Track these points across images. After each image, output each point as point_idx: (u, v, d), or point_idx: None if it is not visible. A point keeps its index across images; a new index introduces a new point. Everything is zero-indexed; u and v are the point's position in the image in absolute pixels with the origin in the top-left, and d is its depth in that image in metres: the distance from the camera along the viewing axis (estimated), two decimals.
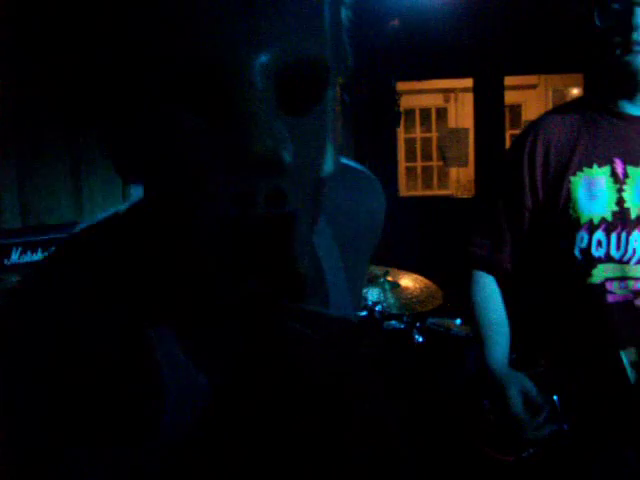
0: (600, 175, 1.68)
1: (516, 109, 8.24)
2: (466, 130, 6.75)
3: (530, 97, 8.36)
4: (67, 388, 0.70)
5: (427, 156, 8.95)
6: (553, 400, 1.72)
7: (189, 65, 0.56)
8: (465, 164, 6.76)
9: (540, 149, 1.75)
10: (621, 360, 1.63)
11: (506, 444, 1.80)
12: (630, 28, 1.55)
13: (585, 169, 1.69)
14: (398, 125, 6.22)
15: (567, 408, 1.73)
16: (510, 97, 6.86)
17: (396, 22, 5.49)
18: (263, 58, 0.57)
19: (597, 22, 1.59)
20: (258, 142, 0.56)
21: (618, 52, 1.58)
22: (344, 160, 0.89)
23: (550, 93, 8.39)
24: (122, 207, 0.77)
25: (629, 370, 1.62)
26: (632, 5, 1.54)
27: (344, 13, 0.68)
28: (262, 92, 0.57)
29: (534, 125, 1.80)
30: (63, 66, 0.65)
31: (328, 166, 0.65)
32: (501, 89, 6.13)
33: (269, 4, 0.57)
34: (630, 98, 1.68)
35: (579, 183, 1.69)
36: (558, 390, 1.75)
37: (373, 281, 3.38)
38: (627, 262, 1.65)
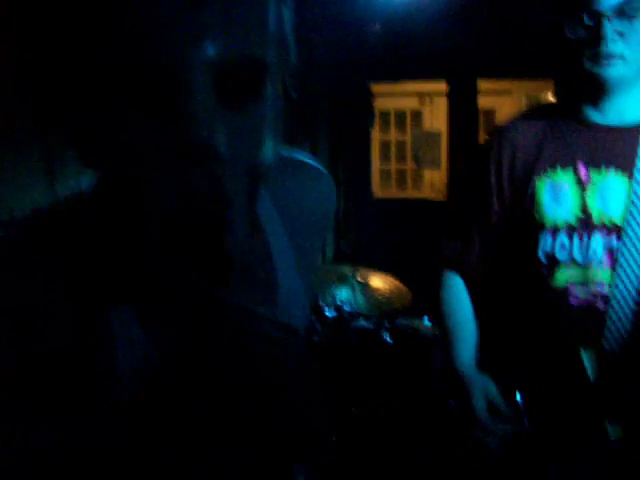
0: (564, 180, 1.71)
1: (490, 114, 8.28)
2: (439, 133, 6.79)
3: (504, 103, 8.41)
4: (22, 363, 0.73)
5: (402, 158, 8.98)
6: (516, 399, 1.75)
7: (135, 63, 0.61)
8: (438, 167, 6.81)
9: (506, 153, 1.78)
10: (582, 360, 1.65)
11: (469, 440, 1.82)
12: (599, 41, 1.57)
13: (549, 171, 1.72)
14: (372, 126, 6.24)
15: (529, 406, 1.76)
16: (484, 102, 6.90)
17: (376, 26, 5.52)
18: (204, 56, 0.62)
19: (567, 33, 1.62)
20: (194, 133, 0.62)
21: (587, 64, 1.61)
22: (299, 155, 0.97)
23: (524, 99, 8.46)
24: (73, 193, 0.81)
25: (589, 369, 1.65)
26: (601, 17, 1.56)
27: (287, 14, 0.72)
28: (201, 88, 0.62)
29: (501, 130, 1.84)
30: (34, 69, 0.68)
31: (265, 157, 0.70)
32: (474, 93, 6.17)
33: (212, 4, 0.62)
34: (595, 106, 1.71)
35: (544, 187, 1.72)
36: (521, 388, 1.78)
37: (343, 281, 3.39)
38: (589, 266, 1.68)
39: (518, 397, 1.77)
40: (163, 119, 0.63)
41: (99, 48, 0.62)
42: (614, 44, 1.58)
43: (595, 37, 1.57)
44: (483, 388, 1.76)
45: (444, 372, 1.94)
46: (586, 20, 1.58)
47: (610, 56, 1.58)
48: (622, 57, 1.59)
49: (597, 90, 1.67)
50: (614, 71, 1.61)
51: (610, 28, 1.56)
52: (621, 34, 1.57)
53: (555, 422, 1.72)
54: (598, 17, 1.57)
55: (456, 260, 1.89)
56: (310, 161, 1.00)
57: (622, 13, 1.57)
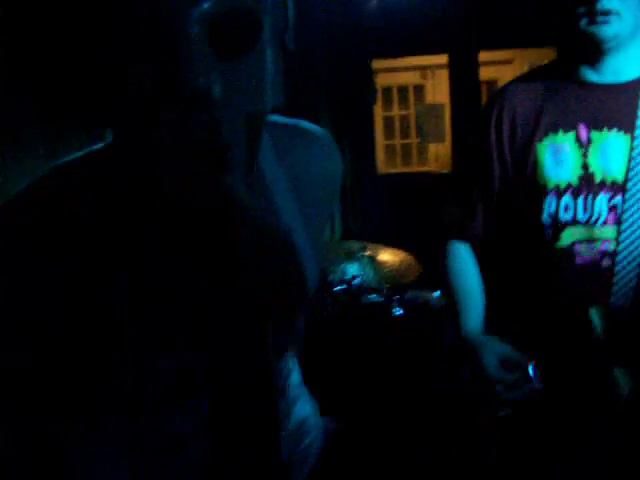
0: (565, 141, 1.72)
1: (492, 84, 8.25)
2: (442, 106, 6.77)
3: (506, 72, 8.36)
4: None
5: (405, 133, 8.95)
6: (527, 363, 1.76)
7: (138, 18, 0.68)
8: (442, 140, 6.79)
9: (506, 118, 1.78)
10: (591, 317, 1.67)
11: (483, 406, 1.84)
12: None
13: (550, 135, 1.73)
14: (375, 102, 6.23)
15: (541, 370, 1.77)
16: (486, 73, 6.87)
17: (374, 1, 5.49)
18: (198, 10, 0.69)
19: None
20: (192, 81, 0.69)
21: (583, 22, 1.61)
22: (305, 124, 1.03)
23: (526, 68, 8.42)
24: (96, 146, 0.89)
25: (598, 326, 1.67)
26: None
27: None
28: (197, 39, 0.69)
29: (499, 95, 1.84)
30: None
31: (265, 102, 0.77)
32: (476, 65, 6.14)
33: None
34: (593, 66, 1.71)
35: (545, 150, 1.73)
36: (532, 353, 1.79)
37: (351, 256, 3.41)
38: (593, 224, 1.70)
39: (530, 365, 1.78)
40: (163, 70, 0.69)
41: (111, 12, 0.68)
42: (612, 2, 1.58)
43: None
44: (494, 346, 1.77)
45: (454, 343, 1.95)
46: None
47: (606, 12, 1.58)
48: (617, 13, 1.59)
49: (594, 49, 1.67)
50: (610, 29, 1.61)
51: None
52: None
53: (567, 380, 1.74)
54: None
55: (460, 227, 1.91)
56: (314, 127, 1.04)
57: None
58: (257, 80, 0.75)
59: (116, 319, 0.80)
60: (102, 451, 0.91)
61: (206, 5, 0.68)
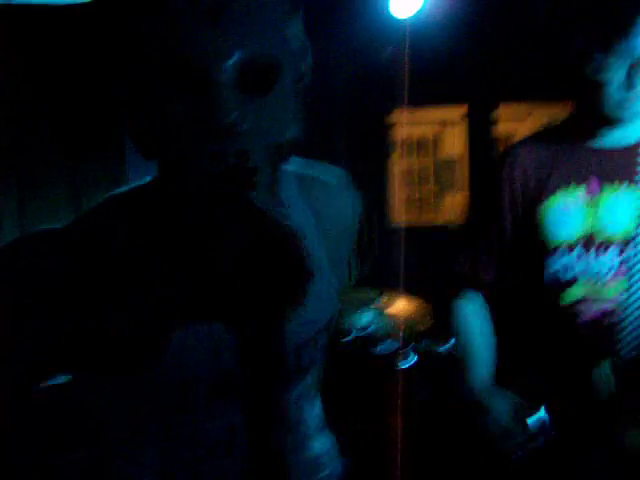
0: (571, 201, 1.76)
1: (509, 139, 8.31)
2: (460, 158, 6.82)
3: (523, 127, 8.44)
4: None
5: (423, 184, 9.00)
6: (541, 411, 1.76)
7: (178, 71, 0.85)
8: (458, 192, 6.83)
9: (518, 175, 1.83)
10: (602, 371, 1.69)
11: (496, 452, 1.83)
12: (631, 85, 1.65)
13: (561, 191, 1.77)
14: (393, 154, 6.29)
15: (553, 418, 1.78)
16: (503, 127, 6.93)
17: (390, 49, 5.58)
18: (228, 60, 0.85)
19: (597, 74, 1.68)
20: (223, 117, 0.84)
21: (613, 103, 1.69)
22: (323, 172, 1.18)
23: (542, 124, 8.49)
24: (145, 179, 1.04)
25: (609, 380, 1.68)
26: (632, 67, 1.64)
27: (299, 24, 0.95)
28: (227, 83, 0.85)
29: (511, 152, 1.90)
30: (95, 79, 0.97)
31: (289, 133, 0.92)
32: (493, 119, 6.21)
33: (230, 20, 0.85)
34: (605, 131, 1.79)
35: (551, 208, 1.77)
36: (542, 403, 1.80)
37: (367, 303, 3.42)
38: (602, 279, 1.72)
39: (543, 410, 1.79)
40: (203, 110, 0.86)
41: (156, 61, 0.86)
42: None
43: (629, 84, 1.65)
44: (503, 395, 1.78)
45: (464, 391, 1.95)
46: (618, 67, 1.65)
47: (636, 99, 1.68)
48: None
49: (615, 122, 1.73)
50: (635, 112, 1.71)
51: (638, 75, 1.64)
52: None
53: (577, 434, 1.75)
54: (630, 65, 1.65)
55: (471, 277, 1.92)
56: (336, 174, 1.20)
57: None
58: (279, 115, 0.90)
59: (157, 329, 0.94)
60: (137, 454, 1.02)
61: (235, 57, 0.85)
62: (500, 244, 1.85)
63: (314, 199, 1.11)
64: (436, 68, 5.59)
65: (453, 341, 3.37)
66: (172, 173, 0.92)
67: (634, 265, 1.70)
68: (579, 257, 1.73)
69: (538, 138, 1.89)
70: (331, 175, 1.19)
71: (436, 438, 2.97)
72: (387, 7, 4.89)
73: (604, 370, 1.67)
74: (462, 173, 6.77)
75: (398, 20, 4.97)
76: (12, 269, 0.92)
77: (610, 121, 1.74)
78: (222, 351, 0.98)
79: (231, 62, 0.85)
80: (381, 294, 3.45)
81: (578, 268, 1.72)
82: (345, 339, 3.24)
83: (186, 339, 0.96)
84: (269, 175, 0.90)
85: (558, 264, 1.74)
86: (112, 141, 4.61)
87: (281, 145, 0.91)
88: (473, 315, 1.94)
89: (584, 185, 1.75)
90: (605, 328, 1.72)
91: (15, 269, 0.92)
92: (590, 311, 1.72)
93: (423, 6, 4.89)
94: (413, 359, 3.22)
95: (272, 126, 0.89)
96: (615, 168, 1.76)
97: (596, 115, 1.74)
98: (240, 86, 0.86)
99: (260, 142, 0.88)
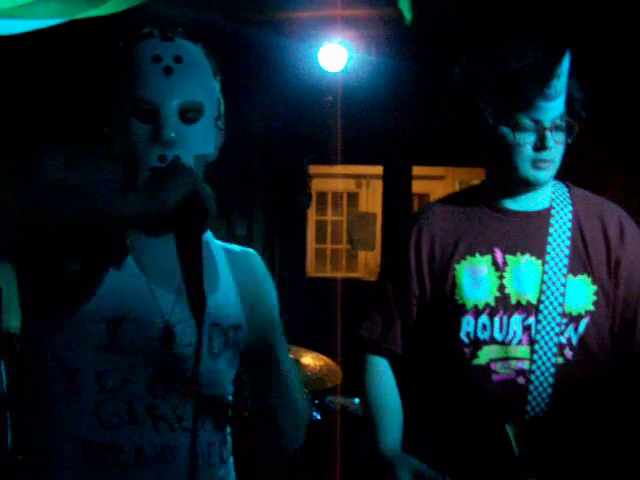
0: (482, 263, 1.80)
1: (424, 197, 8.50)
2: (374, 215, 6.94)
3: (438, 187, 8.65)
4: None
5: (337, 239, 9.10)
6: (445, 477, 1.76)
7: (142, 104, 1.34)
8: (372, 248, 6.92)
9: (425, 240, 1.86)
10: (507, 433, 1.71)
11: None
12: (544, 149, 1.73)
13: (468, 258, 1.81)
14: (309, 206, 6.33)
15: None
16: (418, 186, 7.10)
17: (317, 110, 5.66)
18: (173, 101, 1.34)
19: (508, 139, 1.75)
20: (166, 134, 1.31)
21: (525, 167, 1.75)
22: (231, 246, 1.57)
23: (457, 184, 8.72)
24: None
25: (514, 442, 1.70)
26: (544, 129, 1.72)
27: (216, 84, 1.44)
28: (170, 115, 1.33)
29: (419, 216, 1.93)
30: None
31: (207, 149, 1.40)
32: (409, 178, 6.34)
33: (178, 75, 1.34)
34: (513, 196, 1.84)
35: (463, 271, 1.81)
36: (448, 467, 1.80)
37: None
38: (509, 343, 1.76)
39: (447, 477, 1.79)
40: (155, 130, 1.33)
41: (126, 100, 1.35)
42: (553, 152, 1.74)
43: (541, 146, 1.72)
44: (408, 462, 1.78)
45: (370, 454, 1.94)
46: (532, 126, 1.72)
47: (549, 162, 1.75)
48: (554, 162, 1.76)
49: (524, 188, 1.80)
50: (547, 174, 1.77)
51: (551, 138, 1.72)
52: (557, 142, 1.74)
53: None
54: (542, 129, 1.72)
55: (378, 343, 1.91)
56: (242, 249, 1.59)
57: (558, 126, 1.74)
58: (202, 137, 1.38)
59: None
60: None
61: (177, 100, 1.33)
62: (408, 307, 1.86)
63: (236, 264, 1.53)
64: (356, 126, 5.70)
65: (357, 400, 3.39)
66: (132, 169, 1.34)
67: (536, 334, 1.75)
68: (491, 318, 1.76)
69: (444, 204, 1.93)
70: (249, 251, 1.60)
71: None
72: (316, 60, 4.99)
73: (514, 431, 1.69)
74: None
75: (326, 75, 5.07)
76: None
77: (519, 187, 1.80)
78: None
79: (174, 103, 1.33)
80: (289, 349, 3.42)
81: (490, 329, 1.75)
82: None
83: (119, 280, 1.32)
84: (193, 170, 1.29)
85: (472, 324, 1.77)
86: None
87: (201, 157, 1.38)
88: (380, 381, 1.92)
89: (489, 254, 1.79)
90: (514, 390, 1.75)
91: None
92: (501, 371, 1.75)
93: (347, 64, 5.01)
94: (315, 416, 3.20)
95: (197, 144, 1.36)
96: (522, 237, 1.81)
97: (509, 178, 1.80)
98: (178, 117, 1.33)
99: (189, 151, 1.34)
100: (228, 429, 1.48)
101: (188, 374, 1.31)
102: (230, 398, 1.48)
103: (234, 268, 1.51)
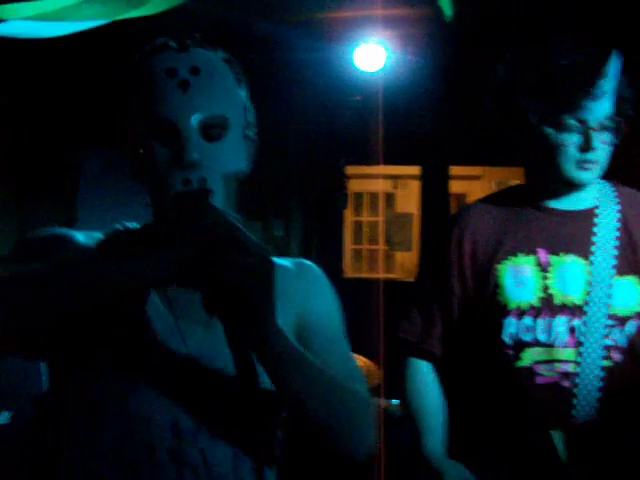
0: (525, 264, 1.77)
1: (461, 198, 8.45)
2: (411, 215, 6.90)
3: (475, 187, 8.59)
4: None
5: (373, 239, 9.07)
6: None
7: (159, 124, 1.21)
8: (409, 249, 6.89)
9: (467, 239, 1.83)
10: (552, 439, 1.68)
11: None
12: (588, 150, 1.69)
13: (511, 258, 1.78)
14: (345, 207, 6.33)
15: None
16: (456, 187, 7.04)
17: (354, 110, 5.65)
18: (192, 118, 1.20)
19: (552, 135, 1.72)
20: (189, 155, 1.18)
21: (569, 167, 1.72)
22: (284, 261, 1.38)
23: (493, 184, 8.65)
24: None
25: (560, 449, 1.67)
26: (589, 130, 1.69)
27: (243, 92, 1.30)
28: (191, 133, 1.19)
29: (460, 216, 1.90)
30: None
31: (237, 166, 1.26)
32: (447, 178, 6.30)
33: (195, 89, 1.21)
34: (557, 196, 1.80)
35: (506, 271, 1.78)
36: (493, 472, 1.78)
37: None
38: (553, 345, 1.73)
39: None
40: (175, 152, 1.19)
41: (142, 120, 1.23)
42: (598, 153, 1.71)
43: (586, 146, 1.69)
44: (456, 471, 1.75)
45: (412, 453, 1.91)
46: (577, 126, 1.69)
47: (594, 162, 1.72)
48: (599, 163, 1.73)
49: (568, 189, 1.77)
50: (592, 175, 1.74)
51: (597, 139, 1.69)
52: (603, 143, 1.71)
53: None
54: (587, 129, 1.68)
55: (419, 346, 1.88)
56: (295, 262, 1.43)
57: (605, 126, 1.70)
58: (230, 154, 1.24)
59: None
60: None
61: (197, 116, 1.20)
62: (449, 307, 1.84)
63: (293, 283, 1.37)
64: (393, 126, 5.67)
65: (396, 402, 3.36)
66: (156, 195, 1.25)
67: (581, 335, 1.71)
68: (535, 320, 1.73)
69: (487, 203, 1.90)
70: (294, 263, 1.42)
71: None
72: (352, 61, 4.99)
73: (560, 437, 1.67)
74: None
75: (364, 75, 5.06)
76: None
77: (563, 188, 1.78)
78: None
79: (194, 120, 1.20)
80: None
81: (534, 331, 1.73)
82: None
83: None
84: (223, 195, 1.21)
85: (514, 326, 1.74)
86: (64, 186, 4.71)
87: (231, 175, 1.25)
88: (423, 384, 1.88)
89: (533, 256, 1.76)
90: (559, 394, 1.72)
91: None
92: (545, 374, 1.72)
93: (385, 64, 4.99)
94: None
95: (225, 161, 1.23)
96: (566, 237, 1.78)
97: (552, 178, 1.77)
98: (201, 134, 1.20)
99: (216, 171, 1.20)
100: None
101: None
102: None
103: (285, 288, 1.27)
